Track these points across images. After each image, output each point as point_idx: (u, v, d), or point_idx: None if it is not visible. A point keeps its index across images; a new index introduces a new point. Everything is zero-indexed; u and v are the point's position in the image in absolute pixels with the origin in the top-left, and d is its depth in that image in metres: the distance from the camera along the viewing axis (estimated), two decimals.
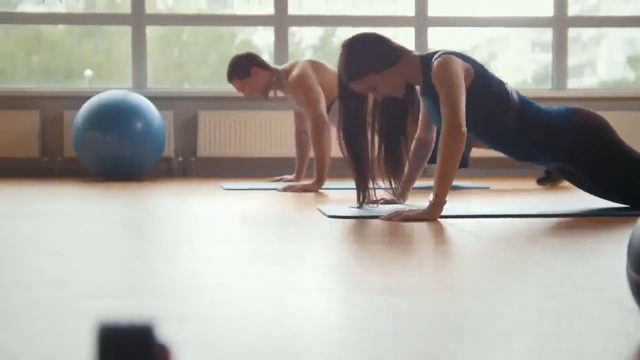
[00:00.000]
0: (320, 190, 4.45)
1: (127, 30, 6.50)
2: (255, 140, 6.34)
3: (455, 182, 3.61)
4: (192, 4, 7.36)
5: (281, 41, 6.47)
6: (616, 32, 7.67)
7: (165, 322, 1.31)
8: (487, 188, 4.79)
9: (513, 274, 1.85)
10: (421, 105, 3.21)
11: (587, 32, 8.45)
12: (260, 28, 6.74)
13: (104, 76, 7.09)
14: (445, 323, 1.34)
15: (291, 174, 5.31)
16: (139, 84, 6.42)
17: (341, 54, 3.08)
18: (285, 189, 4.42)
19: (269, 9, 6.53)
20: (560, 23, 6.62)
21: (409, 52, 3.10)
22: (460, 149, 2.81)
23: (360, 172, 3.13)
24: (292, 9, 6.56)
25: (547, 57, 6.81)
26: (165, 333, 1.20)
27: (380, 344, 1.19)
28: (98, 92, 5.78)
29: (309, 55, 7.33)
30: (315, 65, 4.76)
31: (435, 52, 3.06)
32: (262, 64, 4.83)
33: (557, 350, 1.16)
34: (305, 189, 4.42)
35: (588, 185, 3.18)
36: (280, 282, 1.73)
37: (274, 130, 6.33)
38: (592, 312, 1.42)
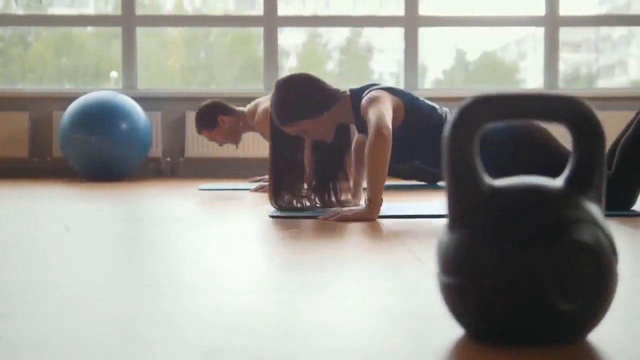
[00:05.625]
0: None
1: (151, 31, 6.54)
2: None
3: None
4: (220, 5, 7.42)
5: (271, 41, 6.48)
6: None
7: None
8: None
9: (420, 270, 1.84)
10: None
11: (618, 31, 8.35)
12: (286, 29, 6.76)
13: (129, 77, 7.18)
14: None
15: None
16: (128, 85, 6.46)
17: (274, 95, 3.07)
18: (257, 189, 4.43)
19: (289, 11, 6.54)
20: (552, 22, 6.57)
21: (341, 94, 3.10)
22: (385, 149, 2.78)
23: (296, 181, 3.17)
24: (321, 10, 6.57)
25: (577, 57, 6.74)
26: None
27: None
28: (86, 93, 5.83)
29: (336, 57, 7.37)
30: None
31: (367, 87, 3.07)
32: (227, 111, 4.83)
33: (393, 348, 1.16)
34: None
35: None
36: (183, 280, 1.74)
37: None
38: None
